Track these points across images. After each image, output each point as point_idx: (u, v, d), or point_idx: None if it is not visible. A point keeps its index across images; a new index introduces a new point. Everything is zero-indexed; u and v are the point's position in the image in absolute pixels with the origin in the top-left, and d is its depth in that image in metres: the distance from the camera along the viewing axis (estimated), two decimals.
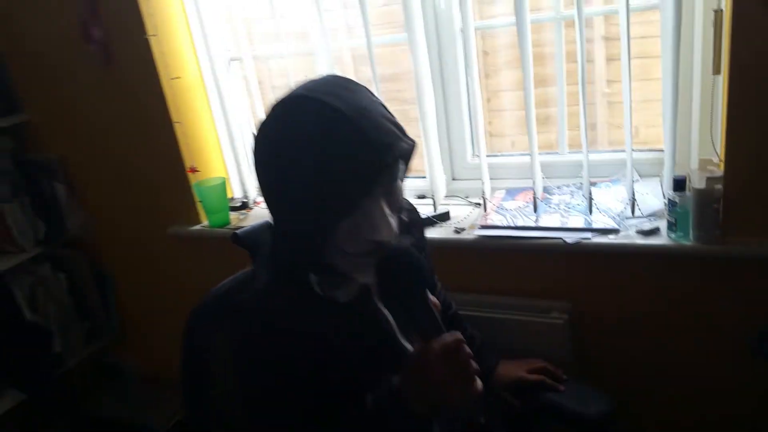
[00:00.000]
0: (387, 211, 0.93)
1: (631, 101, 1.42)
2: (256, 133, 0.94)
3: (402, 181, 0.98)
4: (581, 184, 1.65)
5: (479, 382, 0.92)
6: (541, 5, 1.73)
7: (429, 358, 0.91)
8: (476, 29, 1.81)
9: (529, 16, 1.47)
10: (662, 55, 1.39)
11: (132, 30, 1.80)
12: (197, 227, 1.99)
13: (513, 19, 1.45)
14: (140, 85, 1.88)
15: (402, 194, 0.99)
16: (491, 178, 1.77)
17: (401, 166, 0.95)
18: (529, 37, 1.48)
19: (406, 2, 1.54)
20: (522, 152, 1.79)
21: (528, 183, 1.66)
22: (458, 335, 0.92)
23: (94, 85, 1.97)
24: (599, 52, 2.04)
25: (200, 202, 1.94)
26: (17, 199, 2.14)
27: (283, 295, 0.99)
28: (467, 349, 0.92)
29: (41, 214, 2.21)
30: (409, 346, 1.04)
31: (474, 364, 0.92)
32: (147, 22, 1.78)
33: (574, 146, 1.74)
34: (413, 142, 0.95)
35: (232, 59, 1.96)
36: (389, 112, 0.94)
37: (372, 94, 0.95)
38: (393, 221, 0.94)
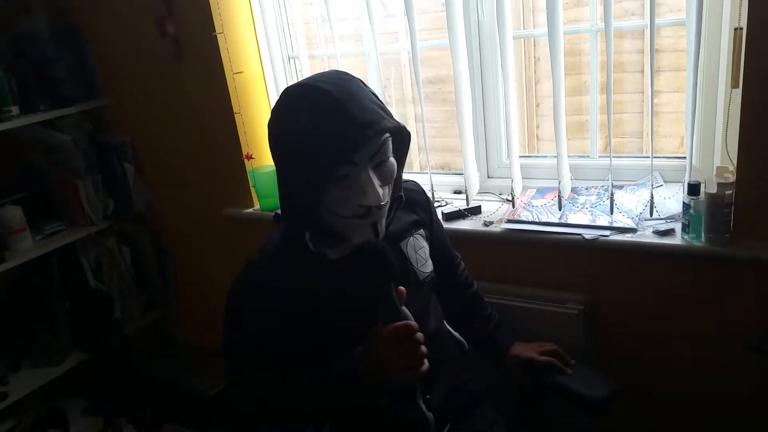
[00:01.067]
0: (376, 181, 1.12)
1: (652, 110, 1.52)
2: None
3: (396, 161, 1.18)
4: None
5: (425, 366, 1.08)
6: (582, 16, 1.83)
7: (377, 338, 1.08)
8: (519, 38, 1.96)
9: (562, 27, 1.58)
10: (687, 69, 1.49)
11: (202, 27, 1.99)
12: (250, 210, 2.17)
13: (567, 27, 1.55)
14: (206, 77, 2.07)
15: (394, 171, 1.17)
16: (526, 178, 1.90)
17: (387, 144, 1.14)
18: (561, 47, 1.59)
19: (449, 11, 1.68)
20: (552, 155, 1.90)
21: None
22: (411, 323, 1.08)
23: (165, 75, 2.18)
24: (647, 64, 2.13)
25: (254, 187, 2.12)
26: (91, 177, 2.33)
27: (281, 253, 1.21)
28: (419, 336, 1.08)
29: (111, 191, 2.40)
30: (405, 310, 1.17)
31: (423, 350, 1.08)
32: (216, 20, 1.97)
33: (618, 152, 1.84)
34: (397, 122, 1.13)
35: (291, 57, 2.14)
36: (378, 99, 1.14)
37: (364, 84, 1.15)
38: (381, 190, 1.13)
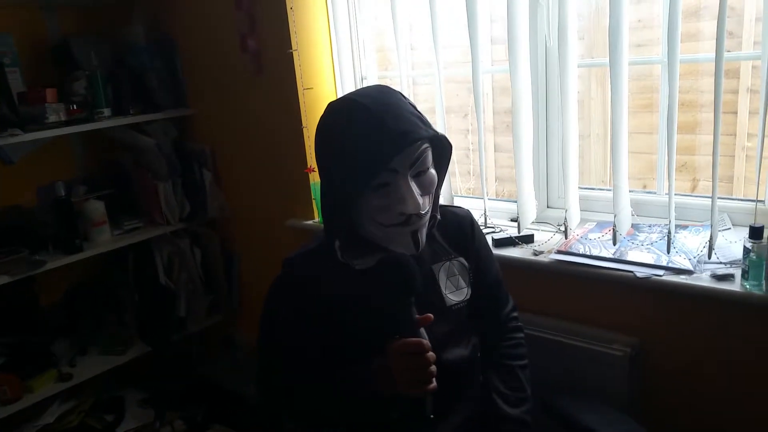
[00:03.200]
0: (415, 189, 1.15)
1: (716, 150, 1.42)
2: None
3: (437, 171, 1.21)
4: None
5: (432, 385, 1.08)
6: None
7: (390, 350, 1.09)
8: (585, 66, 1.91)
9: (626, 56, 1.53)
10: (759, 109, 1.40)
11: (280, 44, 2.09)
12: (310, 222, 2.23)
13: (633, 58, 1.51)
14: (281, 92, 2.17)
15: (434, 181, 1.19)
16: (587, 210, 1.84)
17: (427, 154, 1.16)
18: (625, 77, 1.54)
19: (511, 36, 1.66)
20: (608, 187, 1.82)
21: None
22: (423, 341, 1.08)
23: (245, 89, 2.30)
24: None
25: (315, 200, 2.18)
26: (171, 179, 2.48)
27: (313, 257, 1.26)
28: (429, 355, 1.08)
29: (189, 195, 2.53)
30: (423, 332, 1.15)
31: (432, 369, 1.08)
32: (292, 38, 2.06)
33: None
34: (435, 132, 1.15)
35: (362, 77, 2.20)
36: (417, 111, 1.17)
37: (403, 97, 1.18)
38: (420, 199, 1.15)
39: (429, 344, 1.08)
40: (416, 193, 1.15)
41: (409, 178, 1.15)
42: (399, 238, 1.20)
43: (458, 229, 1.36)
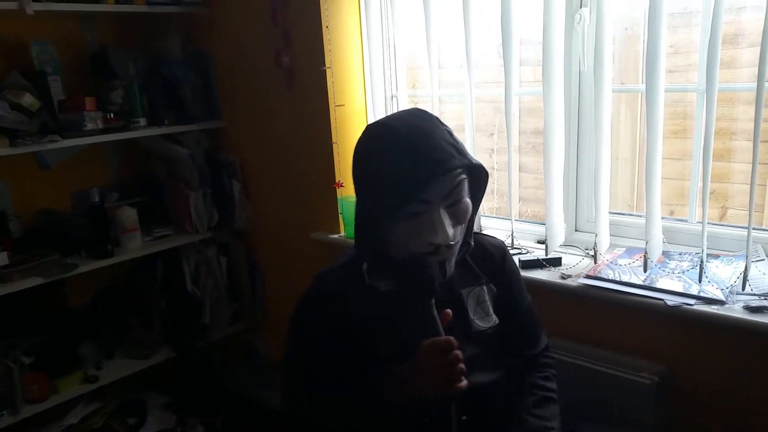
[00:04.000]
0: (447, 220, 1.15)
1: (754, 180, 1.42)
2: None
3: (472, 199, 1.20)
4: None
5: (464, 383, 1.08)
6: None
7: (419, 351, 1.09)
8: (620, 92, 1.92)
9: (663, 84, 1.54)
10: None
11: (314, 61, 2.12)
12: (335, 236, 2.25)
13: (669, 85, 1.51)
14: (312, 108, 2.20)
15: (468, 211, 1.19)
16: (617, 236, 1.83)
17: (463, 185, 1.16)
18: (661, 105, 1.54)
19: (546, 60, 1.67)
20: (640, 213, 1.82)
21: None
22: (451, 339, 1.08)
23: (277, 103, 2.33)
24: None
25: (341, 214, 2.20)
26: (202, 189, 2.51)
27: (341, 275, 1.27)
28: (458, 353, 1.08)
29: (218, 205, 2.57)
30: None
31: (462, 367, 1.07)
32: (326, 55, 2.09)
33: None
34: (470, 161, 1.14)
35: (392, 96, 2.22)
36: (453, 138, 1.16)
37: (440, 123, 1.18)
38: (451, 230, 1.15)
39: (456, 342, 1.08)
40: (447, 224, 1.15)
41: (441, 208, 1.15)
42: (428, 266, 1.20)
43: (490, 258, 1.36)
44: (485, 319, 1.30)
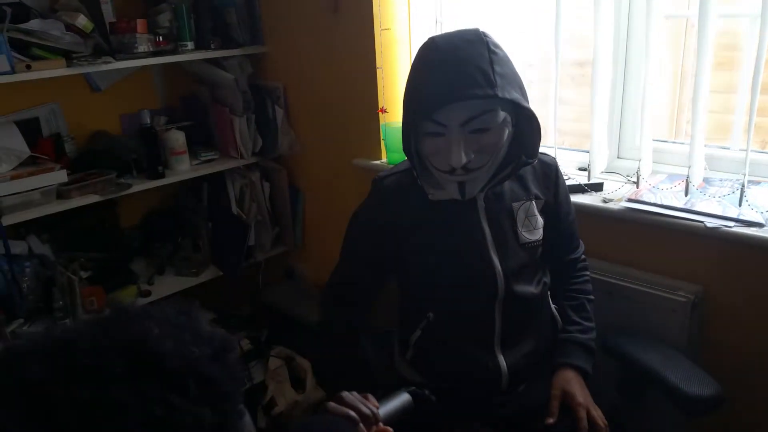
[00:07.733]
0: (463, 145, 1.19)
1: None
2: None
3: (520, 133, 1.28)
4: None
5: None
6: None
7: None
8: (672, 17, 1.90)
9: (715, 8, 1.53)
10: None
11: None
12: (377, 162, 2.30)
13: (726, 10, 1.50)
14: (357, 31, 2.20)
15: (495, 142, 1.23)
16: (659, 163, 1.85)
17: (492, 115, 1.19)
18: (712, 32, 1.54)
19: None
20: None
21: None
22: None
23: (321, 28, 2.34)
24: None
25: (384, 140, 2.24)
26: (246, 115, 2.55)
27: (397, 179, 1.39)
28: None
29: (261, 130, 2.62)
30: (497, 262, 1.32)
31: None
32: None
33: None
34: (502, 94, 1.14)
35: (438, 21, 2.22)
36: (492, 69, 1.15)
37: (489, 49, 1.17)
38: (465, 156, 1.19)
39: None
40: (462, 149, 1.19)
41: (459, 132, 1.19)
42: (447, 184, 1.30)
43: (544, 174, 1.44)
44: (533, 232, 1.38)
